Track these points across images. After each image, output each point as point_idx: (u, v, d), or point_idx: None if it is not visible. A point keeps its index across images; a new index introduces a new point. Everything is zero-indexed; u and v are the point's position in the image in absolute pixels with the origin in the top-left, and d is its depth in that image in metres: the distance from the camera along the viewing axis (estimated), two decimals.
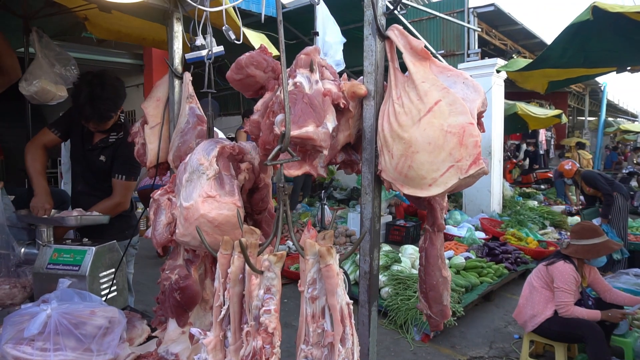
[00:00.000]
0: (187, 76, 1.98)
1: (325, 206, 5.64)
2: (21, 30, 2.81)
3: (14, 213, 2.32)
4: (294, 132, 1.19)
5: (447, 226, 7.23)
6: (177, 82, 2.04)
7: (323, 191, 5.76)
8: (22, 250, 2.33)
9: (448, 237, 6.79)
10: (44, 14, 2.88)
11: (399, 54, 1.36)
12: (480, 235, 7.19)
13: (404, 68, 1.34)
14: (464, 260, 5.43)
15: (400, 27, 1.38)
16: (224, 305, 1.00)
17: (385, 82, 1.42)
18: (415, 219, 7.96)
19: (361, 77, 1.43)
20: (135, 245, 2.92)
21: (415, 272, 5.07)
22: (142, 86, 9.28)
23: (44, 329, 1.63)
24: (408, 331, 4.21)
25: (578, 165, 7.40)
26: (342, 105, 1.35)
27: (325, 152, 1.28)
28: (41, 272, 2.17)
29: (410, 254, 5.48)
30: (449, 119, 1.22)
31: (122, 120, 2.73)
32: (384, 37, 1.38)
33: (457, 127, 1.21)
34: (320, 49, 1.41)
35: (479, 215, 8.43)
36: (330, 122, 1.28)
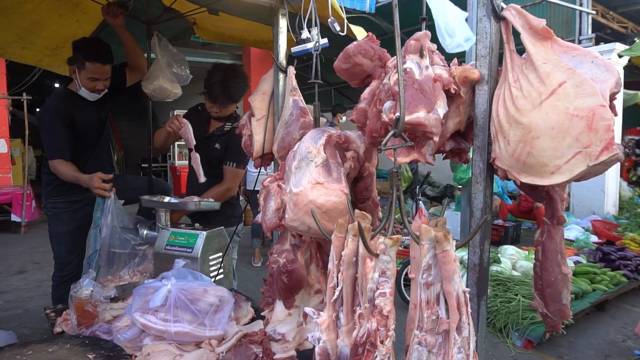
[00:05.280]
0: (291, 70, 2.05)
1: (420, 202, 5.49)
2: (144, 35, 3.11)
3: (127, 215, 2.53)
4: (405, 118, 1.18)
5: None
6: (281, 76, 2.13)
7: (418, 186, 5.59)
8: (145, 232, 2.60)
9: None
10: (162, 20, 3.17)
11: (515, 35, 1.28)
12: (592, 239, 6.54)
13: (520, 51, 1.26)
14: (573, 265, 4.98)
15: (518, 7, 1.30)
16: (337, 286, 1.02)
17: (499, 67, 1.35)
18: (515, 219, 7.46)
19: (473, 62, 1.37)
20: (240, 233, 3.10)
21: (517, 274, 4.77)
22: None
23: (165, 302, 1.80)
24: (508, 336, 3.97)
25: None
26: (452, 91, 1.31)
27: (436, 138, 1.25)
28: (160, 252, 2.40)
29: (510, 254, 5.15)
30: (575, 102, 1.12)
31: (237, 113, 3.00)
32: (500, 18, 1.31)
33: (586, 110, 1.11)
34: (429, 33, 1.37)
35: (590, 217, 7.65)
36: (441, 108, 1.25)
